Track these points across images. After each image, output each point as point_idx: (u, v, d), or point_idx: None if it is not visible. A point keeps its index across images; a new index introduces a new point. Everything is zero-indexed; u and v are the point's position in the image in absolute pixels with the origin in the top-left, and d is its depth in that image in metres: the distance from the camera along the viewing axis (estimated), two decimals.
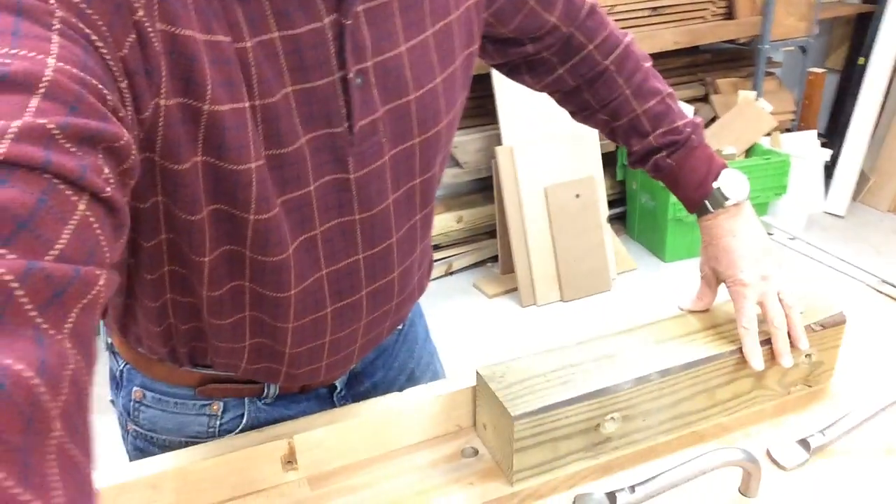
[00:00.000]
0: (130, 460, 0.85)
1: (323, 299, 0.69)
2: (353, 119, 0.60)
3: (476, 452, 0.78)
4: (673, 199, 3.06)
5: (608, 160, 3.20)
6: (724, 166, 0.85)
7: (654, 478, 0.68)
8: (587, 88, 0.88)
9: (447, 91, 0.67)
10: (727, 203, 0.83)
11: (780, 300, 0.82)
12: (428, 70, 0.64)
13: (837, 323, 0.85)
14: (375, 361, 0.88)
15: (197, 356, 0.74)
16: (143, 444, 0.83)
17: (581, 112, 0.92)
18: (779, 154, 3.23)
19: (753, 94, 3.34)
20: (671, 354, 0.79)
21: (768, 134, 3.38)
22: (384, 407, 0.78)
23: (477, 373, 0.78)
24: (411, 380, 0.93)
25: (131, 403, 0.81)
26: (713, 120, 3.47)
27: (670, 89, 0.88)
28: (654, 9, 3.07)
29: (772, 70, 3.65)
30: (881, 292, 1.09)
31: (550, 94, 0.92)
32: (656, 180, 0.90)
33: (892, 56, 3.47)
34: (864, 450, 0.79)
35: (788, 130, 3.61)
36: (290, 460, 0.74)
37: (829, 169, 3.65)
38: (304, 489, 0.75)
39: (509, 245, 2.91)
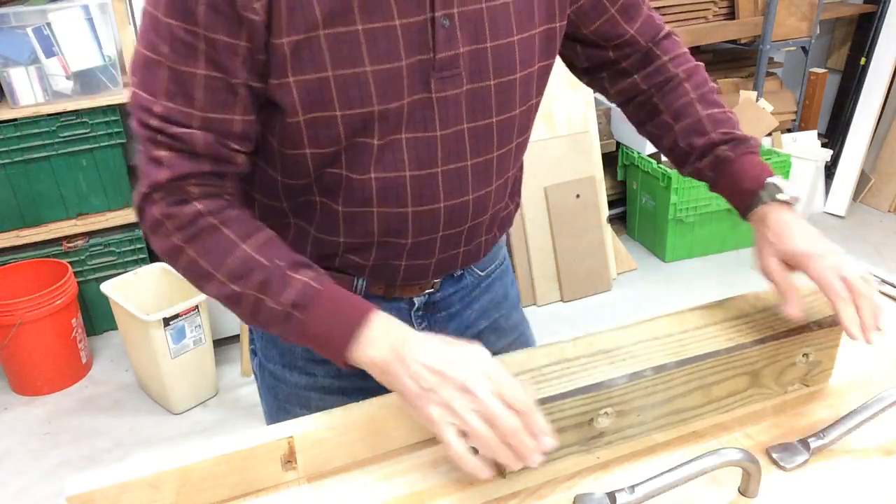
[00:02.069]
0: (254, 333, 1.03)
1: (405, 197, 0.82)
2: (437, 51, 0.75)
3: (476, 452, 0.78)
4: (673, 198, 3.07)
5: (608, 160, 3.20)
6: (774, 174, 0.89)
7: (653, 478, 0.68)
8: (657, 92, 0.97)
9: (523, 50, 0.81)
10: (780, 196, 0.86)
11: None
12: (505, 27, 0.78)
13: (835, 323, 0.85)
14: (452, 296, 0.99)
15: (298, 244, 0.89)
16: None
17: (647, 119, 1.00)
18: (779, 154, 3.23)
19: (754, 94, 3.33)
20: (666, 351, 0.79)
21: (769, 134, 3.38)
22: (384, 407, 0.78)
23: None
24: (496, 331, 1.05)
25: None
26: None
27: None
28: (657, 9, 3.07)
29: (773, 70, 3.65)
30: (881, 292, 1.09)
31: (621, 102, 1.02)
32: (709, 182, 0.94)
33: (893, 56, 3.47)
34: (864, 450, 0.79)
35: (789, 130, 3.60)
36: (289, 460, 0.75)
37: (830, 169, 3.65)
38: (304, 489, 0.75)
39: (509, 245, 2.91)
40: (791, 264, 0.84)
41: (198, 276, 0.77)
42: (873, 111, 3.55)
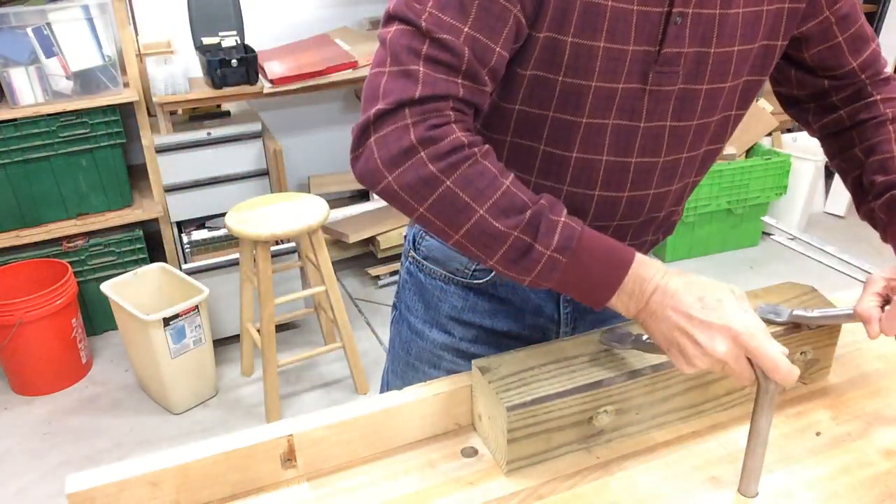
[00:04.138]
0: (401, 286, 1.05)
1: (595, 180, 0.84)
2: (664, 45, 0.76)
3: (476, 452, 0.79)
4: None
5: None
6: None
7: None
8: (856, 127, 0.94)
9: (739, 61, 0.81)
10: None
11: None
12: (730, 35, 0.79)
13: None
14: None
15: None
16: (414, 270, 1.01)
17: (839, 152, 0.97)
18: (779, 154, 3.23)
19: None
20: None
21: (769, 134, 3.38)
22: (383, 405, 0.78)
23: (473, 365, 0.78)
24: None
25: (419, 233, 1.00)
26: None
27: None
28: None
29: None
30: None
31: (822, 136, 1.00)
32: (880, 227, 0.90)
33: (893, 56, 3.47)
34: (866, 452, 0.79)
35: (790, 130, 3.61)
36: (289, 458, 0.75)
37: (830, 169, 3.65)
38: (304, 487, 0.75)
39: None
40: None
41: (453, 211, 0.69)
42: None
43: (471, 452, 0.79)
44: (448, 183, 0.68)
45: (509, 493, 0.74)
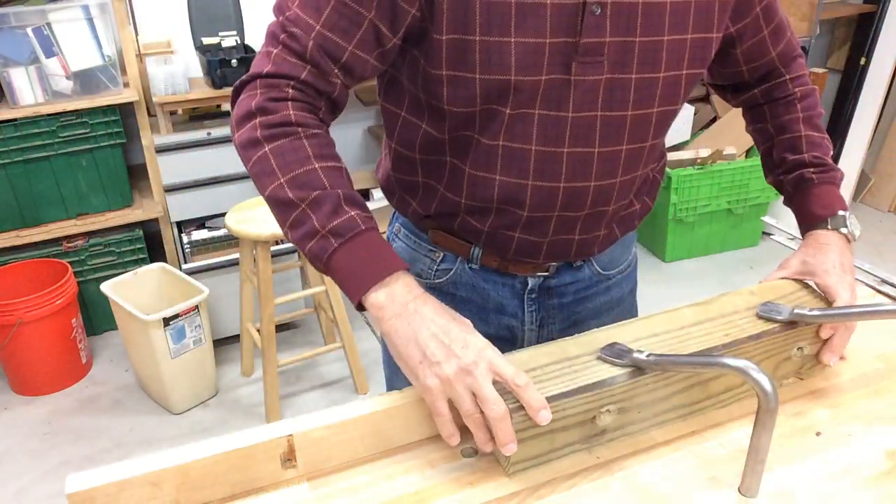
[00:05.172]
0: None
1: (526, 169, 0.86)
2: (582, 35, 0.77)
3: (476, 452, 0.78)
4: (673, 199, 3.07)
5: None
6: (847, 209, 0.96)
7: (667, 355, 0.76)
8: (769, 104, 1.03)
9: (671, 52, 0.82)
10: (843, 230, 0.93)
11: None
12: (657, 25, 0.80)
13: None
14: (568, 286, 1.02)
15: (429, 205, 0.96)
16: None
17: (752, 123, 1.07)
18: None
19: None
20: (665, 348, 0.80)
21: None
22: (383, 405, 0.78)
23: None
24: None
25: (392, 234, 1.07)
26: (713, 120, 3.47)
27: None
28: None
29: None
30: (881, 292, 1.09)
31: (740, 107, 1.09)
32: (786, 196, 1.03)
33: (893, 56, 3.47)
34: (865, 451, 0.79)
35: None
36: (289, 458, 0.75)
37: None
38: (304, 487, 0.75)
39: None
40: (808, 274, 0.91)
41: (262, 173, 0.79)
42: (873, 111, 3.56)
43: (471, 452, 0.78)
44: (266, 149, 0.78)
45: (509, 493, 0.74)
